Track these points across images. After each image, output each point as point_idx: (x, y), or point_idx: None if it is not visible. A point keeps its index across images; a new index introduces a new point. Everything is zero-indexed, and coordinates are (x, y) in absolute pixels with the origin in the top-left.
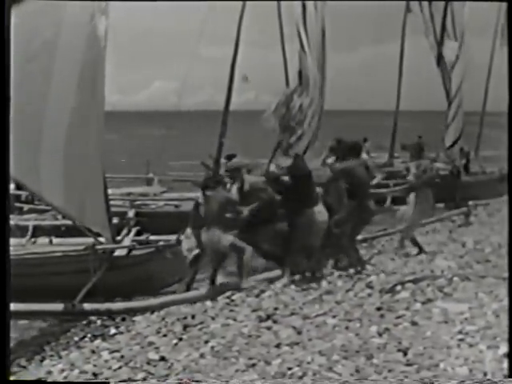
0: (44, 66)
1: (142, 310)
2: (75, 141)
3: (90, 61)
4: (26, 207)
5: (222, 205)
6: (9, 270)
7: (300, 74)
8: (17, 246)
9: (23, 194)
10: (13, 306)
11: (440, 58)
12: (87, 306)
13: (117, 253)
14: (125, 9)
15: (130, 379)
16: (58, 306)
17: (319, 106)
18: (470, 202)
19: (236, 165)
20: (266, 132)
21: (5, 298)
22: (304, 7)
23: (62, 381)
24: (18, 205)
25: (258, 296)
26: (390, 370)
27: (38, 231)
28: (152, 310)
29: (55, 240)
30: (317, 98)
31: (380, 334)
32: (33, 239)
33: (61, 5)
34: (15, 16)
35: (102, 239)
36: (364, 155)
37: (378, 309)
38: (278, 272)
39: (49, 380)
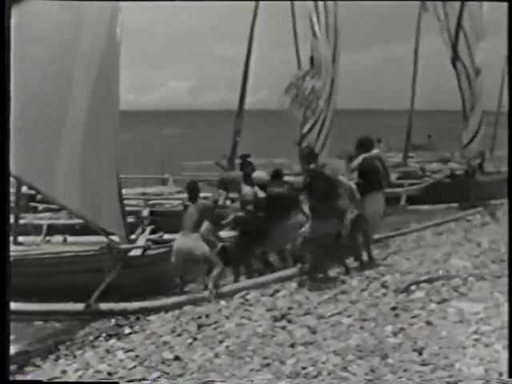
0: (66, 66)
1: (157, 310)
2: (90, 141)
3: (106, 61)
4: (40, 206)
5: (201, 213)
6: (9, 271)
7: (312, 59)
8: (31, 244)
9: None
10: (28, 306)
11: (456, 58)
12: (102, 305)
13: (132, 252)
14: (139, 8)
15: (143, 378)
16: (74, 306)
17: (332, 102)
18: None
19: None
20: (280, 131)
21: (5, 298)
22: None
23: (64, 381)
24: (32, 204)
25: (272, 295)
26: (405, 370)
27: (52, 230)
28: (166, 309)
29: (69, 238)
30: (328, 85)
31: (395, 334)
32: (47, 238)
33: (79, 4)
34: (31, 16)
35: (116, 238)
36: (375, 150)
37: (393, 308)
38: (292, 270)
39: (63, 380)
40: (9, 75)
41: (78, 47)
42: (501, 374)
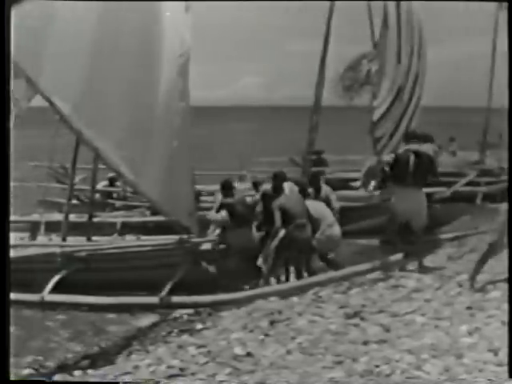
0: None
1: (228, 303)
2: (163, 136)
3: (180, 59)
4: (117, 203)
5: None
6: (9, 269)
7: (375, 44)
8: (104, 242)
9: (115, 190)
10: (101, 300)
11: None
12: (174, 298)
13: (204, 247)
14: (210, 4)
15: (215, 374)
16: (147, 299)
17: (416, 96)
18: None
19: None
20: (354, 128)
21: (5, 298)
22: None
23: (64, 381)
24: (110, 201)
25: (345, 293)
26: (480, 370)
27: (126, 228)
28: (238, 303)
29: (143, 238)
30: (403, 80)
31: (470, 334)
32: (120, 237)
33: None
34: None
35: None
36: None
37: (469, 308)
38: (366, 266)
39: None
40: (9, 75)
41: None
42: None
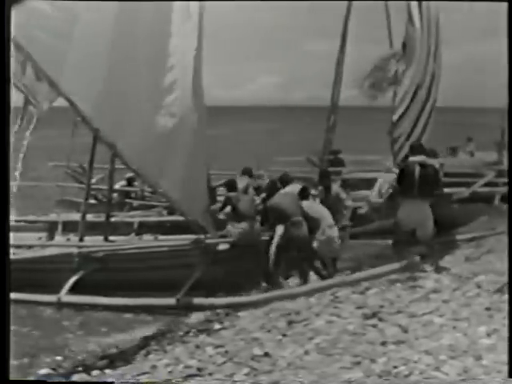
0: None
1: (246, 305)
2: (180, 136)
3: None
4: (135, 203)
5: None
6: (9, 269)
7: (404, 44)
8: (122, 242)
9: (133, 190)
10: (118, 301)
11: None
12: (192, 300)
13: (221, 246)
14: (228, 5)
15: (232, 374)
16: (164, 301)
17: (432, 96)
18: None
19: None
20: (372, 128)
21: (4, 298)
22: None
23: (64, 381)
24: (128, 201)
25: (363, 293)
26: (498, 371)
27: (142, 228)
28: (256, 304)
29: (160, 238)
30: (420, 80)
31: (489, 335)
32: (138, 237)
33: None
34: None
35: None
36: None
37: (487, 309)
38: (384, 268)
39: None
40: (9, 75)
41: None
42: None
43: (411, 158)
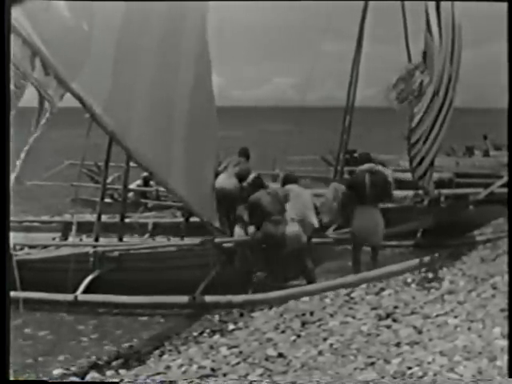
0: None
1: (263, 303)
2: (194, 133)
3: (201, 59)
4: (150, 203)
5: None
6: (9, 270)
7: (424, 54)
8: (136, 242)
9: (148, 189)
10: (134, 299)
11: None
12: (208, 298)
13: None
14: (242, 6)
15: (246, 374)
16: (180, 299)
17: (448, 99)
18: None
19: None
20: (387, 128)
21: (4, 298)
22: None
23: (64, 381)
24: (143, 201)
25: (377, 294)
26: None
27: (157, 229)
28: (272, 303)
29: (173, 240)
30: (438, 85)
31: (504, 336)
32: (151, 238)
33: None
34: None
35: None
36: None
37: (502, 310)
38: (403, 265)
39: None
40: (9, 75)
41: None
42: None
43: (360, 167)
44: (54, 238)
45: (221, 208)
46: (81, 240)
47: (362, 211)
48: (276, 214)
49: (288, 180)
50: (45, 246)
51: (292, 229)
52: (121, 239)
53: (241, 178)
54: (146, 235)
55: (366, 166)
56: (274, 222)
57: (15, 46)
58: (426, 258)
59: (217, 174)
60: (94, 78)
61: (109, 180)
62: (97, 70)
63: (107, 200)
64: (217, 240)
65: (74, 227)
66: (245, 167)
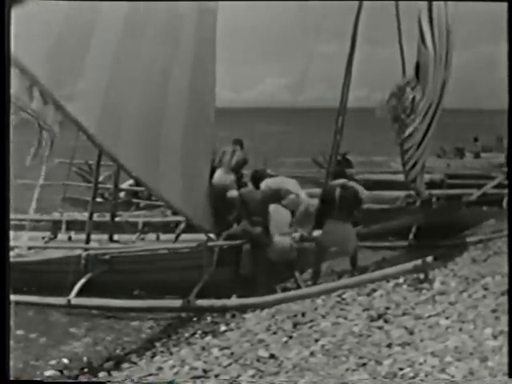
0: (165, 65)
1: (257, 307)
2: (189, 134)
3: (201, 59)
4: (142, 203)
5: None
6: (9, 271)
7: (417, 66)
8: (127, 242)
9: (139, 189)
10: (127, 303)
11: None
12: (202, 302)
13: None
14: (235, 6)
15: (238, 375)
16: (174, 303)
17: (441, 104)
18: None
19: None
20: (378, 129)
21: (4, 298)
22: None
23: (63, 381)
24: (135, 200)
25: (369, 295)
26: (505, 374)
27: (147, 227)
28: (266, 306)
29: (162, 236)
30: (433, 94)
31: (495, 337)
32: (141, 236)
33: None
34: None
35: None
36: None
37: (493, 311)
38: (396, 269)
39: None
40: (9, 75)
41: (176, 46)
42: None
43: (332, 182)
44: (43, 237)
45: (219, 205)
46: (70, 238)
47: (330, 225)
48: (257, 215)
49: (257, 177)
50: (32, 247)
51: (284, 241)
52: (111, 238)
53: (238, 168)
54: (137, 234)
55: (340, 181)
56: (253, 222)
57: (14, 79)
58: (419, 261)
59: (213, 169)
60: (88, 97)
61: (100, 179)
62: (92, 86)
63: (98, 199)
64: (210, 243)
65: (63, 226)
66: (241, 157)
